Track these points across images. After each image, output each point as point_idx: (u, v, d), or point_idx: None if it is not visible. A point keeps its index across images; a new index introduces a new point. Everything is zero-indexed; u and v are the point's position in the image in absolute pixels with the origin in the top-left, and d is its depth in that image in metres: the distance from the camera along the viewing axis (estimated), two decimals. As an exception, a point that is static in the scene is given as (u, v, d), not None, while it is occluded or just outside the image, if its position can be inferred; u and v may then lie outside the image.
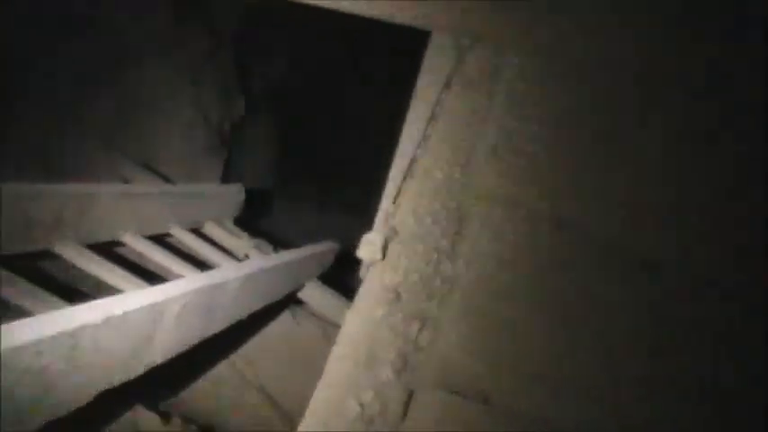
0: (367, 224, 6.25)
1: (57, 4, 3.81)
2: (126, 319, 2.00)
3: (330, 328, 4.59)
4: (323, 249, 4.42)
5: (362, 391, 1.15)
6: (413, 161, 1.50)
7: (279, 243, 4.39)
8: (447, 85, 1.53)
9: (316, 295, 4.42)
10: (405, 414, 1.14)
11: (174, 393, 3.50)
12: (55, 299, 2.40)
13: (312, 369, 4.39)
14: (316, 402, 1.19)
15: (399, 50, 7.68)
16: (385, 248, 1.40)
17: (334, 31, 6.87)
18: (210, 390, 3.82)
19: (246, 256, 3.97)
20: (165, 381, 3.04)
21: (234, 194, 4.37)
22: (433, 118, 1.52)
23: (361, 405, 1.13)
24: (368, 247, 1.40)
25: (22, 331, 1.67)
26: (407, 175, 1.49)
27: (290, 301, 4.43)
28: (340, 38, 6.99)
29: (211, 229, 4.02)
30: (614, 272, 1.29)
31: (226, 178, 5.65)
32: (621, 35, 1.47)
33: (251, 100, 6.07)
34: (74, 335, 1.79)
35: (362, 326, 1.29)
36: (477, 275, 1.29)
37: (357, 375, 1.19)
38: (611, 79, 1.47)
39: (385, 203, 1.51)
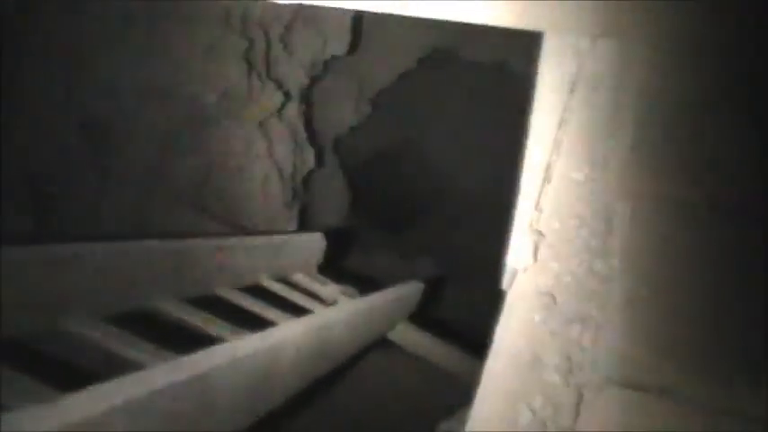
0: (437, 264, 6.19)
1: (136, 75, 3.96)
2: (249, 361, 2.02)
3: (422, 366, 4.56)
4: (410, 289, 4.40)
5: (531, 397, 1.13)
6: (548, 166, 1.50)
7: (358, 286, 4.39)
8: (572, 90, 1.53)
9: (407, 335, 4.39)
10: (577, 414, 1.11)
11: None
12: (165, 352, 2.42)
13: (407, 405, 4.36)
14: (481, 413, 1.17)
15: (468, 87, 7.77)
16: (535, 253, 1.39)
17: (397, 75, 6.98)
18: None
19: (335, 302, 3.97)
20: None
21: (316, 243, 4.40)
22: (562, 123, 1.51)
23: (532, 410, 1.11)
24: (518, 253, 1.39)
25: (157, 376, 1.69)
26: (545, 179, 1.48)
27: (379, 343, 4.40)
28: (402, 80, 7.09)
29: (299, 278, 4.04)
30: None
31: (301, 227, 5.72)
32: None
33: (319, 151, 6.17)
34: (203, 378, 1.80)
35: (520, 331, 1.27)
36: (635, 270, 1.27)
37: (522, 381, 1.17)
38: (752, 61, 1.44)
39: (525, 209, 1.49)
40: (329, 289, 4.10)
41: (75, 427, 1.36)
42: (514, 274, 1.43)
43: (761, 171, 1.35)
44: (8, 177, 3.32)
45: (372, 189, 7.72)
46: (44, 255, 2.22)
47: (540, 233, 1.42)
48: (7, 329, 2.10)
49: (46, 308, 2.23)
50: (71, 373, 2.25)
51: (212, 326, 2.74)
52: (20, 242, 2.25)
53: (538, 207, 1.46)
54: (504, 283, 1.51)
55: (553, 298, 1.31)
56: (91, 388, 1.54)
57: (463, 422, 1.30)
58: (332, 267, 4.64)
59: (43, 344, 2.55)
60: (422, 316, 4.75)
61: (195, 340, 2.92)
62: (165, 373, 1.71)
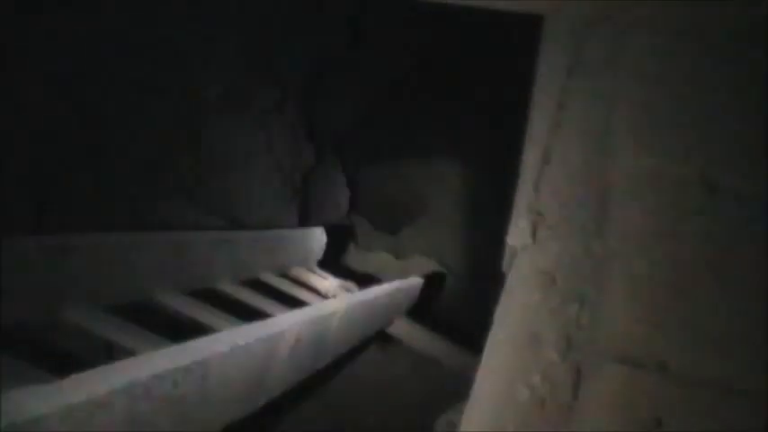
0: (436, 260, 6.18)
1: (136, 70, 3.97)
2: (248, 349, 2.03)
3: (421, 362, 4.57)
4: (409, 284, 4.42)
5: (530, 375, 1.15)
6: (548, 148, 1.51)
7: (357, 280, 4.41)
8: (569, 74, 1.55)
9: (405, 330, 4.40)
10: (576, 391, 1.13)
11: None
12: (165, 342, 2.42)
13: (405, 399, 4.37)
14: (481, 389, 1.19)
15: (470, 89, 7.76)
16: (534, 233, 1.41)
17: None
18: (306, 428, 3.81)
19: (334, 296, 3.99)
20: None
21: (317, 238, 4.42)
22: (560, 106, 1.53)
23: (531, 388, 1.13)
24: (518, 234, 1.41)
25: (158, 360, 1.70)
26: (544, 161, 1.50)
27: (377, 338, 4.42)
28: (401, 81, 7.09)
29: (298, 272, 4.05)
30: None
31: (301, 224, 5.72)
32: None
33: (319, 146, 6.17)
34: (204, 364, 1.81)
35: (519, 311, 1.29)
36: (633, 249, 1.29)
37: (521, 359, 1.18)
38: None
39: (525, 191, 1.51)
40: (329, 283, 4.13)
41: (78, 407, 1.36)
42: (514, 254, 1.45)
43: (760, 152, 1.37)
44: (8, 173, 3.33)
45: (372, 187, 7.72)
46: (45, 244, 2.23)
47: (539, 214, 1.44)
48: (7, 318, 2.11)
49: (46, 297, 2.24)
50: (71, 361, 2.26)
51: (212, 318, 2.75)
52: (20, 232, 2.26)
53: (537, 188, 1.47)
54: (504, 265, 1.53)
55: (552, 277, 1.33)
56: (93, 370, 1.55)
57: (462, 413, 1.31)
58: (331, 263, 4.66)
59: (43, 333, 2.57)
60: (420, 311, 4.77)
61: (194, 332, 2.92)
62: (166, 358, 1.72)
